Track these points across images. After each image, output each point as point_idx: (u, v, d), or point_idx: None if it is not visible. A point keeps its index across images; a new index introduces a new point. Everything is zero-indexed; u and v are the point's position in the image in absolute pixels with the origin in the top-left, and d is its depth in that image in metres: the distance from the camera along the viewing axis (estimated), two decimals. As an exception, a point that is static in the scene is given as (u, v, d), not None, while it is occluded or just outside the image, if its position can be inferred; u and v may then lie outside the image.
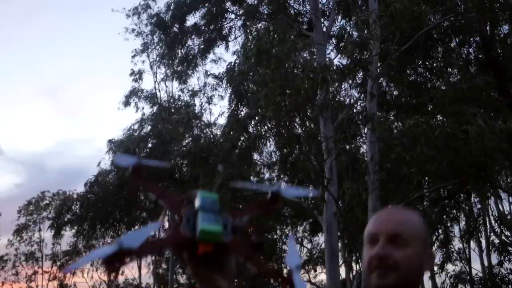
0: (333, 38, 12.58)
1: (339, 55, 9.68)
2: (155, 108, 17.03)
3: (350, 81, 9.57)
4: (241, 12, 13.58)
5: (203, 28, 13.89)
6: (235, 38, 14.12)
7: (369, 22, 8.17)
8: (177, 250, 0.85)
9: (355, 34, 10.47)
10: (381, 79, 10.20)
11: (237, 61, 10.63)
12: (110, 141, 16.73)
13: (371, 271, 1.22)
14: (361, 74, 9.74)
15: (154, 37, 15.93)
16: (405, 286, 1.22)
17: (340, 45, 11.97)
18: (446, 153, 7.60)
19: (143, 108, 17.27)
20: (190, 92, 16.87)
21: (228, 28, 14.04)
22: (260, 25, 11.29)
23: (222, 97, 15.48)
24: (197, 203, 0.85)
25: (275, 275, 0.84)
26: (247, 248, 0.85)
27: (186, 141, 13.83)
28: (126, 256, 0.71)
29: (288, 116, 8.45)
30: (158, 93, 16.78)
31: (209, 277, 0.90)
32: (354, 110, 9.43)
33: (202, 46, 14.31)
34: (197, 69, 15.44)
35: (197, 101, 16.73)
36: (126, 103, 17.08)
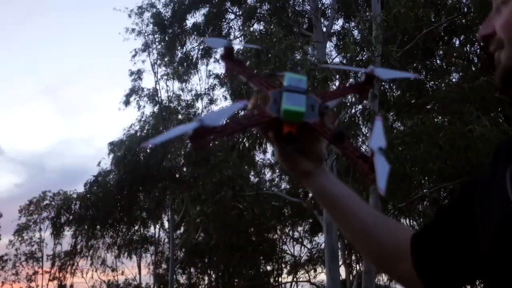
0: (333, 36, 12.54)
1: (339, 56, 9.64)
2: (156, 108, 16.89)
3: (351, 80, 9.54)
4: (240, 12, 13.53)
5: (203, 28, 13.82)
6: (235, 38, 14.08)
7: (371, 25, 8.14)
8: (262, 129, 0.88)
9: (356, 34, 10.43)
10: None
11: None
12: (111, 143, 16.62)
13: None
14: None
15: (156, 35, 15.84)
16: None
17: (340, 43, 11.94)
18: (450, 152, 7.57)
19: (144, 106, 17.09)
20: (192, 92, 16.79)
21: (227, 28, 13.99)
22: (260, 24, 11.28)
23: (225, 98, 15.34)
24: (284, 84, 0.84)
25: (357, 158, 0.79)
26: (331, 131, 0.82)
27: (187, 141, 13.64)
28: (208, 133, 0.71)
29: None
30: (159, 92, 16.67)
31: (293, 158, 0.90)
32: (355, 109, 9.41)
33: (202, 47, 14.24)
34: (198, 68, 15.37)
35: (199, 102, 16.64)
36: (127, 102, 16.86)
